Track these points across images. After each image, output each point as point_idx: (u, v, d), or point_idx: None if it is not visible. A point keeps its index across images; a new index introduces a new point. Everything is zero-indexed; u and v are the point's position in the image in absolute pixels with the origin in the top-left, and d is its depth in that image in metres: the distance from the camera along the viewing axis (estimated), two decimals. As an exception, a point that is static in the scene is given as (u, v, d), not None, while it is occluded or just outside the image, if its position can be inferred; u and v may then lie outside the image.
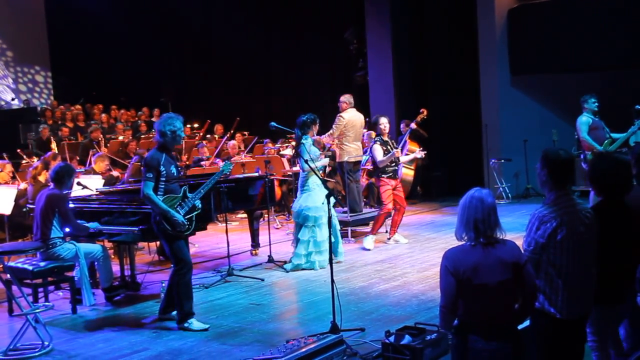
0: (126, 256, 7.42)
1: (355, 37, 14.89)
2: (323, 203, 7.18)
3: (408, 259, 8.26)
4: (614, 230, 3.77)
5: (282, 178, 11.52)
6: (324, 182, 6.25)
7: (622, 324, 4.09)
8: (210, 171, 10.43)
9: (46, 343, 5.57)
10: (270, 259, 8.26)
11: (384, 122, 8.96)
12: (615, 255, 3.77)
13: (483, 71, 13.01)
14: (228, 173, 6.92)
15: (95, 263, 6.95)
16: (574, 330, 3.63)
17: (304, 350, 4.62)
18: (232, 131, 13.88)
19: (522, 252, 3.50)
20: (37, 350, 5.50)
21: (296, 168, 9.69)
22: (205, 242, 9.70)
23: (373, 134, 12.12)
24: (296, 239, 7.95)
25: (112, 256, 7.86)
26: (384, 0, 13.66)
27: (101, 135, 13.32)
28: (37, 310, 5.78)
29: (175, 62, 18.47)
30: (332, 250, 6.10)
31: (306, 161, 7.12)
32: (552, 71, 12.62)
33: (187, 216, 5.89)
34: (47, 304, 6.50)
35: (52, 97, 19.13)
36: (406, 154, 10.20)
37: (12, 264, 6.68)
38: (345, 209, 9.57)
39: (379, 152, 8.80)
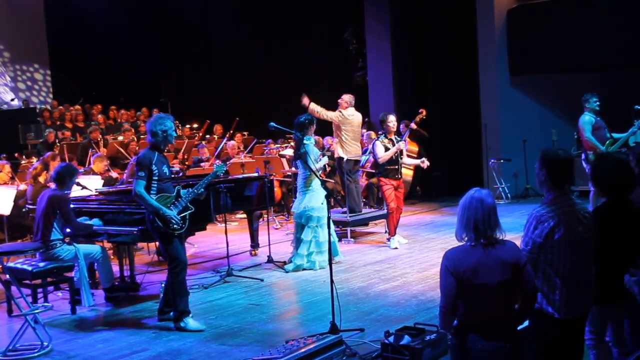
0: (125, 256, 7.42)
1: (354, 37, 14.88)
2: (322, 203, 7.19)
3: (407, 259, 8.26)
4: (619, 229, 3.77)
5: (282, 179, 11.52)
6: (323, 183, 6.24)
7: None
8: (210, 172, 10.41)
9: (45, 343, 5.57)
10: (270, 259, 8.25)
11: (393, 121, 8.90)
12: (619, 254, 3.76)
13: (482, 71, 13.02)
14: (222, 174, 6.93)
15: (95, 264, 6.96)
16: (572, 330, 3.63)
17: (303, 350, 4.62)
18: (231, 131, 13.87)
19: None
20: (36, 350, 5.50)
21: (293, 168, 9.71)
22: (205, 243, 9.69)
23: (373, 134, 12.14)
24: (297, 240, 7.94)
25: (112, 257, 7.85)
26: (384, 0, 13.66)
27: (100, 136, 13.32)
28: (37, 311, 5.77)
29: (174, 62, 18.46)
30: (332, 250, 6.10)
31: (313, 161, 7.12)
32: (551, 71, 12.62)
33: (181, 215, 5.91)
34: (46, 304, 6.48)
35: (51, 95, 19.11)
36: (406, 155, 10.17)
37: (11, 264, 6.67)
38: (345, 209, 9.57)
39: (380, 148, 8.78)
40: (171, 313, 6.04)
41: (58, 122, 15.56)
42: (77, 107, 16.79)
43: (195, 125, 16.30)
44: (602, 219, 3.78)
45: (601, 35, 11.72)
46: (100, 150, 12.25)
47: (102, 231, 6.84)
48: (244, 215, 10.33)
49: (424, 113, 9.95)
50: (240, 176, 8.97)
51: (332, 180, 11.05)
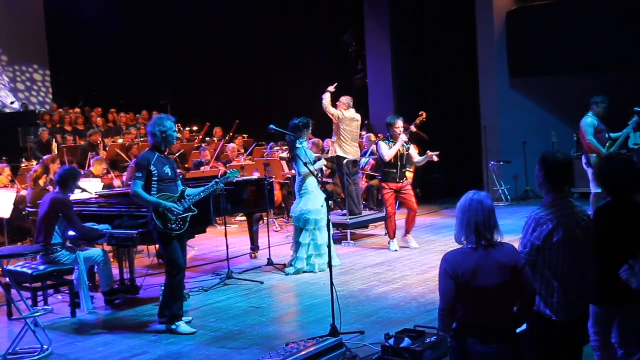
0: (125, 259, 7.42)
1: (354, 39, 14.90)
2: (322, 206, 7.18)
3: (407, 261, 8.25)
4: (624, 229, 3.77)
5: (282, 181, 11.51)
6: (323, 185, 6.24)
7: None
8: (210, 174, 10.43)
9: (45, 347, 5.57)
10: (270, 262, 8.25)
11: (400, 127, 8.90)
12: (623, 255, 3.76)
13: (482, 73, 13.02)
14: (233, 180, 6.94)
15: (96, 267, 6.95)
16: (570, 332, 3.63)
17: (303, 353, 4.62)
18: (231, 134, 13.87)
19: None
20: (36, 354, 5.50)
21: (292, 171, 9.71)
22: (205, 245, 9.69)
23: (373, 136, 12.15)
24: (297, 243, 7.94)
25: (112, 259, 7.84)
26: (383, 2, 13.67)
27: (100, 139, 13.32)
28: (37, 314, 5.77)
29: (174, 64, 18.47)
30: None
31: (305, 164, 7.09)
32: (551, 73, 12.63)
33: (182, 216, 5.90)
34: (46, 307, 6.47)
35: (50, 96, 19.09)
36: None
37: (11, 267, 6.66)
38: (345, 211, 9.56)
39: (384, 147, 8.80)
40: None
41: (58, 125, 15.57)
42: (77, 110, 16.80)
43: (195, 128, 16.31)
44: (605, 219, 3.78)
45: (600, 37, 11.73)
46: (100, 154, 12.26)
47: (117, 235, 6.82)
48: (244, 218, 10.33)
49: (424, 115, 9.92)
50: (241, 179, 8.96)
51: (332, 183, 11.05)
